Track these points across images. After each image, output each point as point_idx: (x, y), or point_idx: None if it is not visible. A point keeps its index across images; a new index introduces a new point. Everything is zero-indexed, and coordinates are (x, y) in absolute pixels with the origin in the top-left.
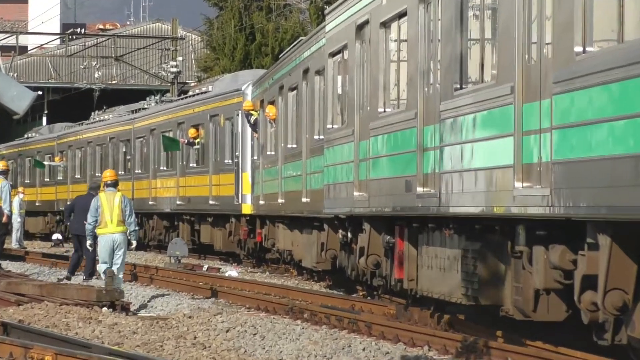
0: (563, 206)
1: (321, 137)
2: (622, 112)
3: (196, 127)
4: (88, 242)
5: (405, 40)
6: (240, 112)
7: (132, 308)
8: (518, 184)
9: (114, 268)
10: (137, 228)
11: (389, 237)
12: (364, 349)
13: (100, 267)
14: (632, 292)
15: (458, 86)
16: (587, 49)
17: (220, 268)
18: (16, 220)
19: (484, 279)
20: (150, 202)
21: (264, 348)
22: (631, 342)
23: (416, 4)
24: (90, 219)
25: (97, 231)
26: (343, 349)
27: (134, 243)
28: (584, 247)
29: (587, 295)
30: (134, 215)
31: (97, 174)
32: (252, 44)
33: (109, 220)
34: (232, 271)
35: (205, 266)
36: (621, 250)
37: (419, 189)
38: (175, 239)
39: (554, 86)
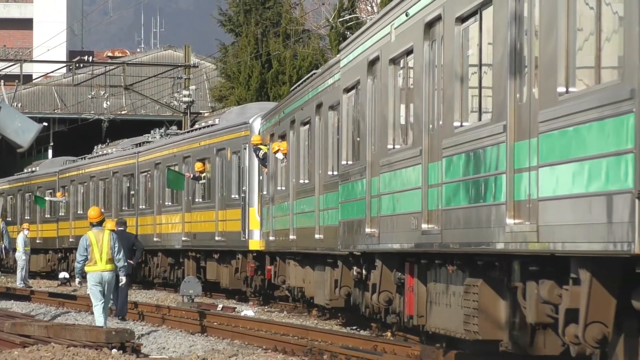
0: (548, 242)
1: (335, 172)
2: (593, 152)
3: (202, 161)
4: (77, 280)
5: (412, 77)
6: (247, 145)
7: (144, 350)
8: (510, 220)
9: (105, 307)
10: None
11: (400, 273)
12: None
13: (97, 314)
14: (612, 326)
15: (459, 124)
16: (570, 89)
17: (235, 307)
18: (20, 258)
19: (483, 314)
20: (155, 239)
21: None
22: None
23: (421, 41)
24: (79, 257)
25: (87, 269)
26: None
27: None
28: (569, 282)
29: (571, 328)
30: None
31: (102, 210)
32: (268, 72)
33: (99, 259)
34: (248, 311)
35: (220, 305)
36: (601, 285)
37: (424, 226)
38: (187, 277)
39: (540, 125)
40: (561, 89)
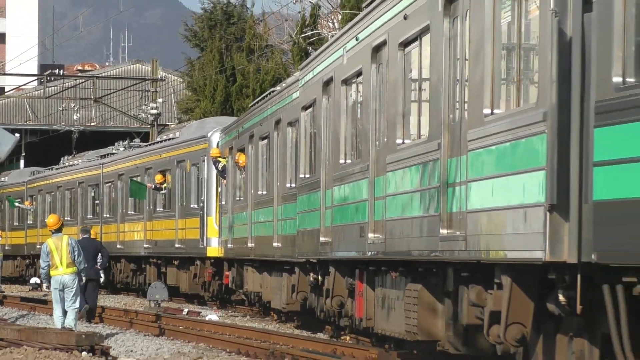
0: (475, 250)
1: (293, 185)
2: (513, 169)
3: (163, 172)
4: (44, 285)
5: (361, 97)
6: (206, 158)
7: (112, 352)
8: (443, 231)
9: (71, 309)
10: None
11: (351, 279)
12: None
13: (55, 316)
14: (530, 326)
15: (401, 141)
16: (495, 111)
17: (200, 312)
18: None
19: (422, 316)
20: (119, 246)
21: None
22: None
23: (369, 64)
24: (42, 264)
25: (51, 273)
26: None
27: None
28: (494, 287)
29: (494, 329)
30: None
31: (66, 218)
32: (232, 85)
33: (59, 263)
34: (212, 315)
35: (186, 310)
36: (520, 290)
37: (371, 235)
38: (154, 283)
39: (468, 144)
40: (487, 111)
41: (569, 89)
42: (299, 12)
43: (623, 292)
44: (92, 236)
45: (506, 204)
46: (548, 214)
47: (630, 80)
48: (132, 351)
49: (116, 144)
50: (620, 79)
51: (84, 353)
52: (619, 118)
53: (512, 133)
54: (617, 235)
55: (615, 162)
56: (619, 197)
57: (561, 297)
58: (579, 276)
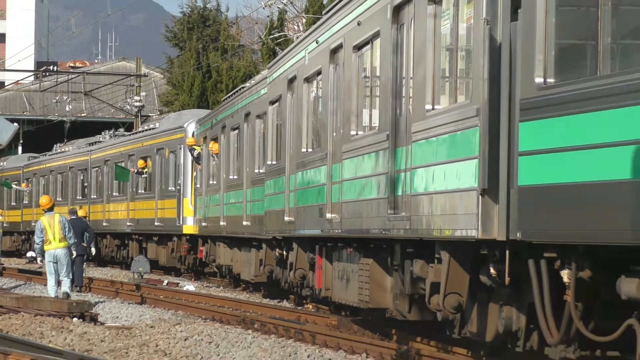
0: (418, 229)
1: (261, 170)
2: (450, 158)
3: (144, 158)
4: (39, 259)
5: (320, 94)
6: (182, 146)
7: (100, 319)
8: (390, 211)
9: (65, 279)
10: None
11: (312, 254)
12: (308, 356)
13: (49, 286)
14: (466, 296)
15: (355, 132)
16: (435, 107)
17: (179, 283)
18: None
19: (373, 287)
20: (104, 224)
21: (219, 355)
22: (470, 335)
23: (327, 64)
24: (37, 239)
25: (45, 247)
26: (290, 356)
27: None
28: (434, 261)
29: (434, 298)
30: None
31: (58, 198)
32: (208, 81)
33: (52, 238)
34: (189, 286)
35: (166, 281)
36: (457, 263)
37: (328, 215)
38: (137, 256)
39: (412, 135)
40: (428, 107)
41: (498, 88)
42: (268, 16)
43: (546, 266)
44: (82, 215)
45: (445, 189)
46: (480, 197)
47: (550, 80)
48: (117, 317)
49: (103, 133)
50: (541, 80)
51: (75, 319)
52: (540, 114)
53: (449, 126)
54: (538, 216)
55: (537, 152)
56: (540, 182)
57: (492, 270)
58: (507, 252)
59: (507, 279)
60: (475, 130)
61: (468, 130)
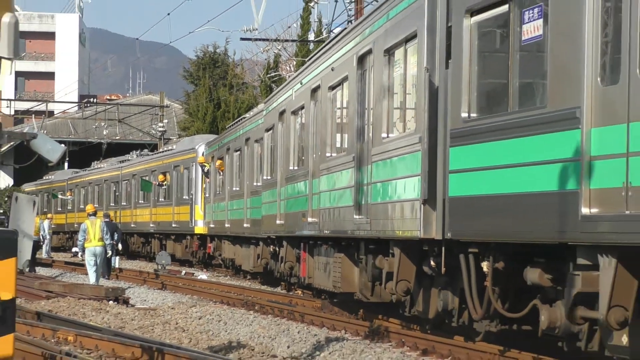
0: (376, 230)
1: (259, 183)
2: (401, 175)
3: (164, 173)
4: (80, 254)
5: (304, 124)
6: (194, 163)
7: (131, 302)
8: (356, 216)
9: (99, 271)
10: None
11: (298, 250)
12: (298, 332)
13: (90, 276)
14: (413, 282)
15: (329, 154)
16: (390, 135)
17: (194, 273)
18: (46, 238)
19: (344, 275)
20: (132, 225)
21: (226, 331)
22: (417, 313)
23: (309, 100)
24: (80, 237)
25: (85, 245)
26: (283, 332)
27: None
28: (389, 256)
29: (389, 284)
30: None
31: (95, 205)
32: (218, 111)
33: (93, 237)
34: (202, 275)
35: (183, 271)
36: (406, 257)
37: (310, 219)
38: (161, 252)
39: (372, 157)
40: (384, 135)
41: (436, 121)
42: (266, 59)
43: (471, 259)
44: (110, 219)
45: (396, 199)
46: (422, 206)
47: (473, 115)
48: (145, 300)
49: (131, 152)
50: (466, 114)
51: (110, 302)
52: (464, 141)
53: (400, 150)
54: (463, 220)
55: (462, 171)
56: (464, 194)
57: (432, 263)
58: (443, 248)
59: (443, 269)
60: (418, 154)
61: (413, 154)
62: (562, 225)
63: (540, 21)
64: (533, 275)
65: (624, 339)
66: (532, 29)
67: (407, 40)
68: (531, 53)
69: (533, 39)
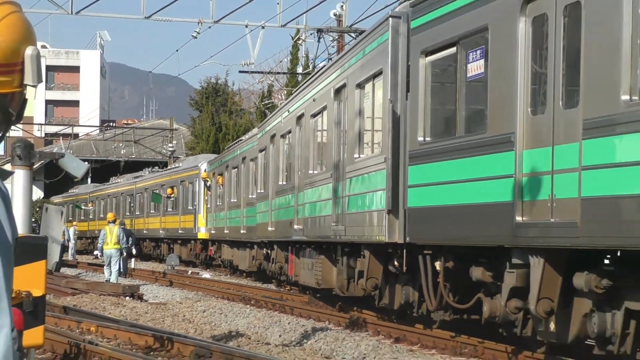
0: (350, 235)
1: (253, 196)
2: (370, 189)
3: (172, 187)
4: (99, 254)
5: (291, 146)
6: (198, 179)
7: (145, 297)
8: (334, 224)
9: (114, 271)
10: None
11: (286, 252)
12: (288, 323)
13: (106, 274)
14: (381, 279)
15: (312, 171)
16: (361, 155)
17: (199, 272)
18: (72, 242)
19: (324, 274)
20: (145, 231)
21: (227, 322)
22: (385, 305)
23: (295, 126)
24: (100, 241)
25: (104, 248)
26: (276, 323)
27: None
28: (361, 257)
29: (361, 281)
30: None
31: (114, 214)
32: (219, 133)
33: (110, 242)
34: (206, 274)
35: (190, 271)
36: (375, 259)
37: (296, 226)
38: (170, 254)
39: (347, 174)
40: (356, 155)
41: (398, 144)
42: (261, 89)
43: (428, 259)
44: (125, 226)
45: (366, 209)
46: (387, 215)
47: (428, 139)
48: (156, 296)
49: (144, 169)
50: (422, 138)
51: (127, 298)
52: (420, 161)
53: (369, 168)
54: (419, 226)
55: (418, 186)
56: (420, 205)
57: (396, 263)
58: (404, 250)
59: (404, 268)
60: (384, 171)
61: (380, 171)
62: (500, 231)
63: (482, 61)
64: (477, 273)
65: (552, 326)
66: (475, 67)
67: (375, 76)
68: (475, 87)
69: (476, 76)
